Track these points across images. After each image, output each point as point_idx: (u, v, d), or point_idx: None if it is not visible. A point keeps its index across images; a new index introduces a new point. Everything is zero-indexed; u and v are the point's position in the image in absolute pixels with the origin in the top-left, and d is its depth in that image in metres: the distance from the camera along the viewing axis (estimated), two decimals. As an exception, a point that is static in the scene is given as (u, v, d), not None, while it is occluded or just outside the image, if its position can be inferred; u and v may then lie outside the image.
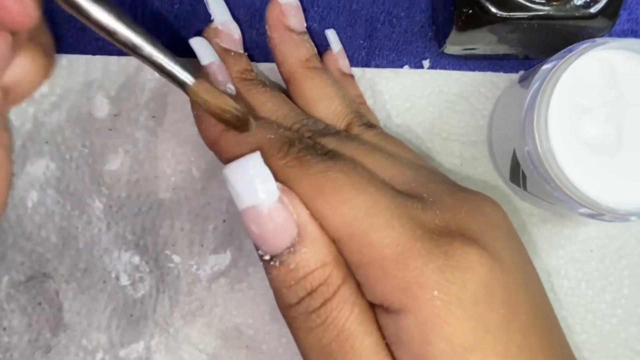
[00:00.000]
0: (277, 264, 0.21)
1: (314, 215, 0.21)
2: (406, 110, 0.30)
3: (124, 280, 0.29)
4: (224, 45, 0.28)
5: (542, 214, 0.30)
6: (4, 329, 0.29)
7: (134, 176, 0.30)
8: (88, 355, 0.29)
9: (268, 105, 0.26)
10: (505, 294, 0.21)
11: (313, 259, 0.21)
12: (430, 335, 0.19)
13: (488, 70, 0.30)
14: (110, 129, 0.30)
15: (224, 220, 0.30)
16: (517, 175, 0.27)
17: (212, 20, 0.28)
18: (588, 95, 0.25)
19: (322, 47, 0.30)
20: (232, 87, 0.26)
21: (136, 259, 0.29)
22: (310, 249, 0.21)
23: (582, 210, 0.24)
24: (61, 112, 0.30)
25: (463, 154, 0.30)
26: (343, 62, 0.29)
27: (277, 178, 0.21)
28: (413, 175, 0.24)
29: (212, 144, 0.25)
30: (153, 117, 0.30)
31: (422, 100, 0.30)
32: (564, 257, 0.30)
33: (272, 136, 0.23)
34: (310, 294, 0.21)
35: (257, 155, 0.21)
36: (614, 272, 0.30)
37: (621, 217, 0.24)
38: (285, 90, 0.29)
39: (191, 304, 0.29)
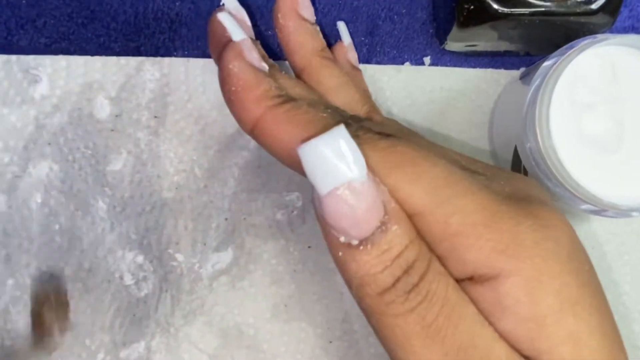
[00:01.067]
0: (369, 246, 0.19)
1: (390, 192, 0.20)
2: (407, 107, 0.30)
3: (128, 279, 0.29)
4: None
5: (544, 210, 0.30)
6: (8, 331, 0.29)
7: (136, 176, 0.30)
8: (90, 356, 0.29)
9: (297, 89, 0.24)
10: (585, 252, 0.21)
11: (405, 234, 0.19)
12: (538, 292, 0.19)
13: (489, 67, 0.30)
14: (112, 130, 0.30)
15: (226, 219, 0.30)
16: (518, 171, 0.27)
17: (222, 4, 0.27)
18: (589, 92, 0.25)
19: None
20: (265, 66, 0.24)
21: (140, 259, 0.30)
22: (399, 225, 0.19)
23: (584, 206, 0.24)
24: (62, 114, 0.30)
25: (464, 151, 0.30)
26: (353, 55, 0.29)
27: None
28: (458, 156, 0.23)
29: (254, 126, 0.22)
30: (155, 117, 0.30)
31: (423, 97, 0.30)
32: (566, 253, 0.30)
33: (325, 115, 0.21)
34: (407, 271, 0.19)
35: (342, 128, 0.19)
36: (615, 269, 0.30)
37: (623, 212, 0.24)
38: None
39: (192, 302, 0.30)
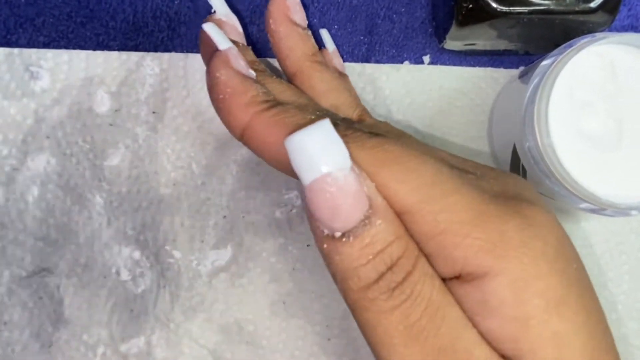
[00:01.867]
0: (351, 239, 0.19)
1: (378, 190, 0.20)
2: (406, 106, 0.30)
3: (125, 275, 0.29)
4: (229, 37, 0.26)
5: (542, 209, 0.30)
6: (5, 323, 0.29)
7: (134, 171, 0.30)
8: (89, 350, 0.29)
9: (287, 93, 0.25)
10: (573, 251, 0.21)
11: (389, 230, 0.19)
12: (524, 293, 0.19)
13: (488, 65, 0.30)
14: (111, 125, 0.30)
15: (224, 216, 0.30)
16: (517, 170, 0.27)
17: (214, 12, 0.28)
18: (588, 90, 0.25)
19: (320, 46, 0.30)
20: (253, 72, 0.24)
21: (137, 254, 0.29)
22: (384, 220, 0.19)
23: (583, 205, 0.24)
24: (62, 108, 0.30)
25: (463, 150, 0.30)
26: (338, 61, 0.29)
27: None
28: (447, 155, 0.23)
29: (243, 131, 0.23)
30: (153, 112, 0.30)
31: (422, 96, 0.30)
32: (564, 253, 0.30)
33: (313, 117, 0.22)
34: (391, 268, 0.19)
35: (327, 121, 0.19)
36: (613, 268, 0.30)
37: (622, 211, 0.24)
38: None
39: (192, 299, 0.29)
